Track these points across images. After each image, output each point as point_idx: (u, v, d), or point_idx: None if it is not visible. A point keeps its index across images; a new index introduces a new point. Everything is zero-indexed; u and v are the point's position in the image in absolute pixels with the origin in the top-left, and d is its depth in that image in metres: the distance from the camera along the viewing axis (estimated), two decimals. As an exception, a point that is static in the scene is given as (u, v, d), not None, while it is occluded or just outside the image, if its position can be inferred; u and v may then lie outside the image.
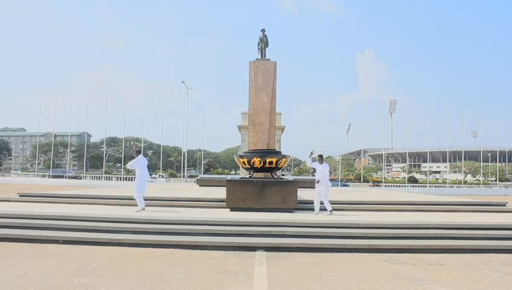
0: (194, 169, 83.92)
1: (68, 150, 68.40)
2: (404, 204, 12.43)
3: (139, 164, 10.31)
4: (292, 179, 12.70)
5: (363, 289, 5.30)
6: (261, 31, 19.50)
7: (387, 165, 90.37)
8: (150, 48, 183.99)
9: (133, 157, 10.59)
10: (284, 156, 12.23)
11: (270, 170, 12.09)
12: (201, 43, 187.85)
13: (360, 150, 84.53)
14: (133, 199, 10.25)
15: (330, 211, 10.24)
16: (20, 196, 12.92)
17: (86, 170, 69.92)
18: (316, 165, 10.69)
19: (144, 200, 10.19)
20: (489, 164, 71.27)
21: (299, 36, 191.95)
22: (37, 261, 6.40)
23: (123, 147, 62.93)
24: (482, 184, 56.37)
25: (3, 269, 5.85)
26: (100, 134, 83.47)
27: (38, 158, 67.36)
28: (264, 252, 7.34)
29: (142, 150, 55.98)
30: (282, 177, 17.34)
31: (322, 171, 10.52)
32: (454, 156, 76.01)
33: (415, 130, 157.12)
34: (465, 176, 70.24)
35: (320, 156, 10.92)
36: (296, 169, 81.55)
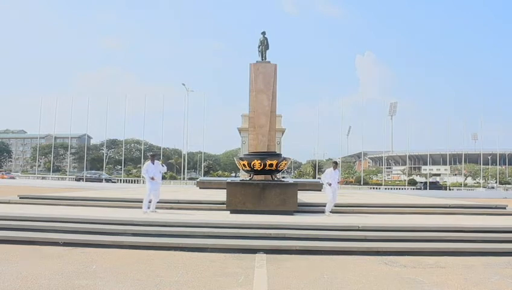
0: (194, 171, 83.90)
1: (68, 152, 68.46)
2: (404, 207, 12.43)
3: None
4: (292, 182, 12.72)
5: (363, 291, 5.30)
6: (262, 33, 19.54)
7: (387, 168, 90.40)
8: (150, 49, 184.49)
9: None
10: (284, 159, 12.25)
11: (270, 172, 12.11)
12: (201, 44, 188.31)
13: (360, 153, 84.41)
14: (134, 201, 10.33)
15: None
16: (20, 197, 12.93)
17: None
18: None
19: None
20: (490, 166, 71.29)
21: (299, 38, 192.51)
22: (37, 263, 6.40)
23: (123, 149, 63.09)
24: (482, 187, 56.32)
25: (3, 271, 5.84)
26: (100, 136, 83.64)
27: (38, 160, 67.39)
28: (264, 254, 7.34)
29: (143, 152, 56.05)
30: (283, 179, 17.35)
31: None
32: (455, 159, 76.04)
33: (415, 132, 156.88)
34: (465, 179, 70.21)
35: (335, 163, 11.31)
36: (296, 171, 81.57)
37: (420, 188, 49.34)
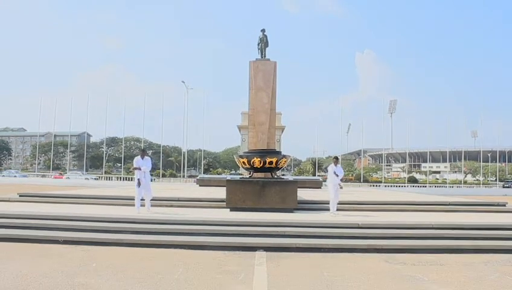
0: (194, 169, 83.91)
1: (68, 150, 68.44)
2: (404, 204, 12.43)
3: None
4: (292, 179, 12.71)
5: (363, 289, 5.31)
6: (261, 31, 19.50)
7: (387, 165, 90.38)
8: (149, 48, 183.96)
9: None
10: (284, 156, 12.23)
11: (270, 170, 12.09)
12: (201, 44, 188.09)
13: (360, 150, 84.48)
14: (133, 199, 10.22)
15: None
16: (20, 196, 12.92)
17: (86, 170, 69.93)
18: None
19: (142, 200, 10.12)
20: (489, 164, 71.30)
21: (299, 36, 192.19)
22: (37, 261, 6.40)
23: (123, 147, 63.00)
24: (482, 184, 56.36)
25: (3, 269, 5.84)
26: (100, 134, 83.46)
27: (38, 158, 67.37)
28: (264, 252, 7.34)
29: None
30: (282, 177, 17.34)
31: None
32: (454, 156, 76.01)
33: (415, 130, 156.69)
34: (465, 176, 70.23)
35: (336, 158, 11.14)
36: (296, 169, 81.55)
37: (509, 187, 48.61)
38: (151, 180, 12.26)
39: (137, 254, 7.03)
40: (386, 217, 10.09)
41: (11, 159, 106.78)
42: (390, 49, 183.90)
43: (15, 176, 52.00)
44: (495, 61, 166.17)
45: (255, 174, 12.63)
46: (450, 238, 8.19)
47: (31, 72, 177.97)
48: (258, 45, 19.56)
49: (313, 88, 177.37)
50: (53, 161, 70.94)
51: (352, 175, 62.71)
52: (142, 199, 10.14)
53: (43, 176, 54.89)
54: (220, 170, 66.91)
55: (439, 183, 58.59)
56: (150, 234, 8.14)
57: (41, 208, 10.27)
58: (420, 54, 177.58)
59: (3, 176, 53.56)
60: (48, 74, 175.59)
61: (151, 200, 10.43)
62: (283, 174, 45.92)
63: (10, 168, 76.38)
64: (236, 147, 66.15)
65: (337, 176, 10.55)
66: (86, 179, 48.31)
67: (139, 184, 10.02)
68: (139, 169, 10.10)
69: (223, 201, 11.10)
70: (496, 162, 74.59)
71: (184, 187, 22.23)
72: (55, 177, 52.02)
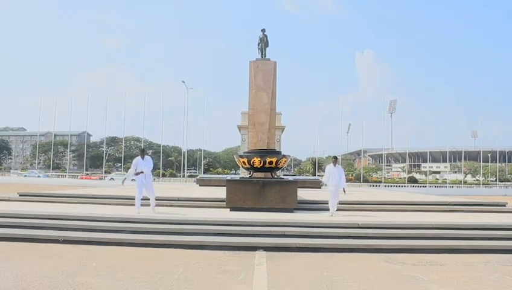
0: (194, 169, 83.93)
1: (68, 150, 68.45)
2: (404, 204, 12.43)
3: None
4: (292, 179, 12.71)
5: (363, 289, 5.31)
6: (261, 30, 19.48)
7: (387, 165, 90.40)
8: (149, 48, 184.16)
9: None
10: (284, 156, 12.23)
11: (270, 169, 12.09)
12: (201, 43, 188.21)
13: (360, 150, 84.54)
14: (133, 199, 10.18)
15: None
16: (20, 195, 12.91)
17: (86, 170, 69.96)
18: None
19: (143, 199, 10.01)
20: (489, 164, 71.31)
21: (299, 36, 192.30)
22: (37, 260, 6.40)
23: (123, 146, 63.06)
24: (482, 184, 56.34)
25: (3, 268, 5.84)
26: (100, 134, 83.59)
27: (38, 158, 67.41)
28: (264, 252, 7.34)
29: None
30: (282, 177, 17.33)
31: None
32: (454, 156, 76.03)
33: (415, 130, 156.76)
34: (465, 176, 70.22)
35: (335, 158, 11.07)
36: (296, 169, 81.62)
37: None
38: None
39: (137, 254, 7.03)
40: (386, 217, 10.09)
41: (11, 158, 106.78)
42: (390, 49, 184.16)
43: (38, 176, 50.10)
44: (495, 61, 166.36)
45: (255, 174, 12.63)
46: (450, 239, 8.19)
47: (31, 72, 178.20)
48: (258, 44, 19.53)
49: (313, 88, 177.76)
50: (53, 161, 70.97)
51: (352, 175, 62.67)
52: (143, 199, 10.06)
53: (74, 176, 53.02)
54: (220, 169, 66.89)
55: (439, 184, 58.57)
56: (150, 234, 8.14)
57: (41, 208, 10.27)
58: (420, 54, 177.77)
59: (25, 176, 52.65)
60: (48, 74, 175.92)
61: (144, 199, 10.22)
62: (285, 175, 45.90)
63: (34, 169, 75.10)
64: (236, 147, 66.11)
65: (334, 187, 10.44)
66: (132, 180, 46.47)
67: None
68: (142, 173, 10.02)
69: (223, 201, 11.10)
70: (496, 162, 74.61)
71: (184, 187, 22.22)
72: (84, 179, 49.30)
